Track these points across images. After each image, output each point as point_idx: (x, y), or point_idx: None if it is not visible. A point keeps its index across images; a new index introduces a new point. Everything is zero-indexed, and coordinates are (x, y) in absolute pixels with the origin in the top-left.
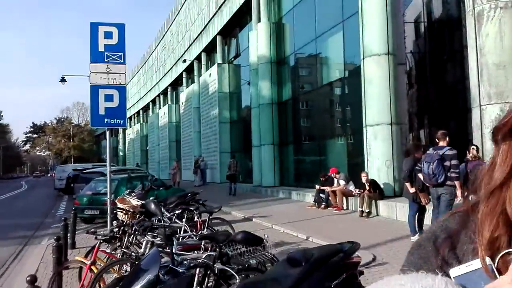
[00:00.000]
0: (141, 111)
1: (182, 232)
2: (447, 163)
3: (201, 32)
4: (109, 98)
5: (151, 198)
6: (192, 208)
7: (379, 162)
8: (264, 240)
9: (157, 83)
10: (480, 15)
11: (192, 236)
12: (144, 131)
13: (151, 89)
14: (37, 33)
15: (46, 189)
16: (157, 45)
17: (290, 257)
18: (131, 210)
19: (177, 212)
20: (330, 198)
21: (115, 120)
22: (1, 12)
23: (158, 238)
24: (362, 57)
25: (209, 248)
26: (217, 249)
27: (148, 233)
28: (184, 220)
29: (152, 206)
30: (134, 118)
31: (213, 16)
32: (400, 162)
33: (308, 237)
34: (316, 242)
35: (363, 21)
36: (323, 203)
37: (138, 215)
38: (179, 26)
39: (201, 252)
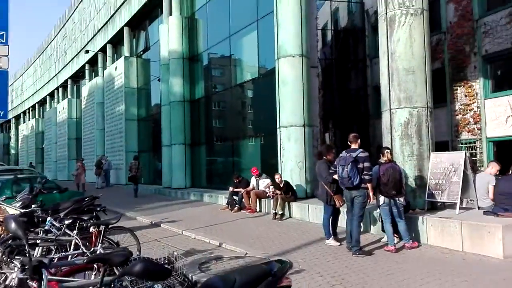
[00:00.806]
0: (37, 105)
1: (72, 246)
2: (361, 165)
3: (106, 22)
4: None
5: (33, 206)
6: (85, 218)
7: (292, 163)
8: (173, 260)
9: (56, 75)
10: (392, 20)
11: (85, 251)
12: (40, 127)
13: (48, 81)
14: None
15: None
16: (57, 34)
17: (207, 285)
18: None
19: (66, 222)
20: (243, 200)
21: None
22: None
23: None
24: (276, 57)
25: (103, 270)
26: (111, 278)
27: (17, 257)
28: (75, 231)
29: (12, 225)
30: (29, 112)
31: (120, 6)
32: (311, 164)
33: (221, 243)
34: (230, 248)
35: (278, 22)
36: (236, 205)
37: None
38: (83, 15)
39: (93, 273)
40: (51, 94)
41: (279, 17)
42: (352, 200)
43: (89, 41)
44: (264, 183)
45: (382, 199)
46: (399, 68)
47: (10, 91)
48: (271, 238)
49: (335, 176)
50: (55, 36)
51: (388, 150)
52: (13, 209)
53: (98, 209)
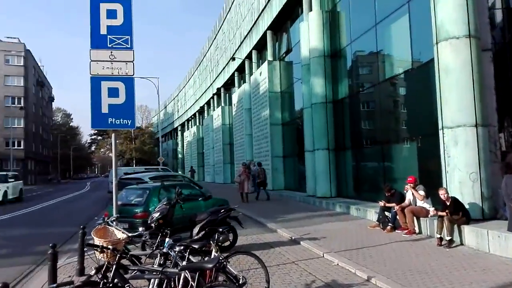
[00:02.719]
0: (197, 114)
1: (181, 281)
2: None
3: (251, 29)
4: (113, 92)
5: (140, 229)
6: (196, 246)
7: (461, 174)
8: None
9: (211, 84)
10: None
11: None
12: (200, 133)
13: (205, 90)
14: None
15: (104, 191)
16: (210, 45)
17: None
18: (110, 247)
19: (177, 249)
20: (397, 217)
21: (121, 120)
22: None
23: None
24: (435, 41)
25: None
26: None
27: None
28: (184, 262)
29: None
30: (191, 120)
31: (262, 10)
32: (489, 175)
33: (370, 277)
34: (381, 286)
35: None
36: (389, 224)
37: (118, 255)
38: (230, 24)
39: None
40: (208, 103)
41: None
42: None
43: (236, 50)
44: (421, 193)
45: None
46: None
47: (176, 102)
48: (437, 274)
49: None
50: (209, 48)
51: None
52: (121, 233)
53: (221, 229)
